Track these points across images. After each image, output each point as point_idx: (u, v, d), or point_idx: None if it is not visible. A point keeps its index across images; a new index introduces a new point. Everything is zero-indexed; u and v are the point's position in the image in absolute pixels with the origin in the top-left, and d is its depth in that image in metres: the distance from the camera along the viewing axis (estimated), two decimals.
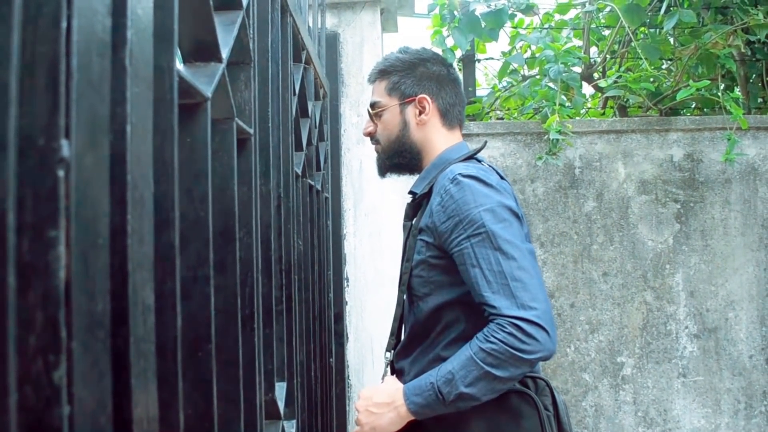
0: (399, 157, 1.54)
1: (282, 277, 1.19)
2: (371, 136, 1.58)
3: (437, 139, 1.53)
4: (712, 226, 2.69)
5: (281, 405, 1.07)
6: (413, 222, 1.51)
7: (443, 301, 1.39)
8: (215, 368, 0.69)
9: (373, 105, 1.56)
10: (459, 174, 1.36)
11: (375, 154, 1.60)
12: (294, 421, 1.21)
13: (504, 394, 1.32)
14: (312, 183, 1.70)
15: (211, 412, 0.68)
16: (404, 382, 1.40)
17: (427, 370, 1.37)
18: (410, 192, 1.54)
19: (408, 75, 1.53)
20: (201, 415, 0.67)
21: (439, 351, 1.40)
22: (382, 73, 1.55)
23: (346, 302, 2.60)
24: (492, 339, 1.25)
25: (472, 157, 1.49)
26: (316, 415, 1.62)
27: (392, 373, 1.52)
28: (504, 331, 1.24)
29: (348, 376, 2.61)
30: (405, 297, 1.46)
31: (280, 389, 1.09)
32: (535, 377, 1.38)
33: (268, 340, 1.02)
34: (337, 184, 2.51)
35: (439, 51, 2.84)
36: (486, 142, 1.67)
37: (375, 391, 1.39)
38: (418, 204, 1.51)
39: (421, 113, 1.52)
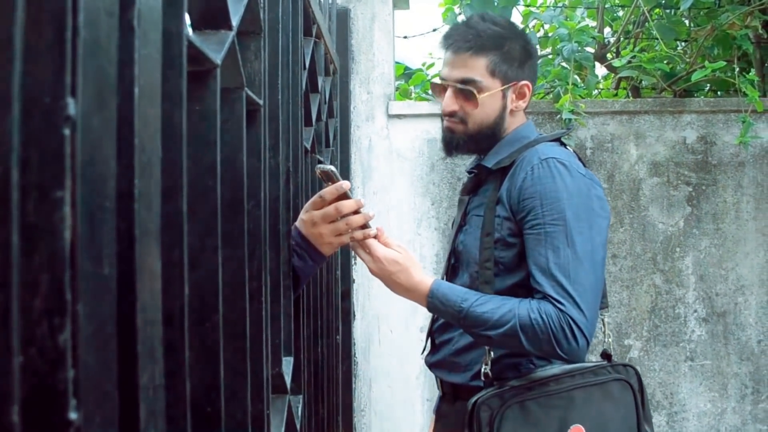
0: (487, 141, 1.45)
1: (290, 251, 1.18)
2: (454, 114, 1.44)
3: (518, 121, 1.48)
4: (723, 209, 2.66)
5: (288, 379, 1.07)
6: (472, 197, 1.46)
7: (507, 285, 1.37)
8: (222, 339, 0.68)
9: (468, 82, 1.41)
10: (552, 157, 1.33)
11: (441, 130, 1.48)
12: (300, 396, 1.21)
13: (606, 382, 1.37)
14: (321, 159, 1.69)
15: (218, 383, 0.67)
16: (449, 352, 1.45)
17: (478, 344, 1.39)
18: (479, 166, 1.46)
19: (509, 56, 1.42)
20: (207, 385, 0.67)
21: None
22: (480, 48, 1.40)
23: (354, 280, 2.60)
24: (544, 316, 1.25)
25: (557, 139, 1.45)
26: (322, 391, 1.62)
27: (432, 346, 1.53)
28: (559, 320, 1.25)
29: (354, 353, 2.62)
30: (476, 273, 1.40)
31: (287, 364, 1.09)
32: (626, 365, 1.43)
33: (276, 314, 1.02)
34: (346, 161, 2.49)
35: None
36: (571, 128, 1.60)
37: (405, 260, 1.33)
38: (479, 179, 1.46)
39: (518, 99, 1.45)
